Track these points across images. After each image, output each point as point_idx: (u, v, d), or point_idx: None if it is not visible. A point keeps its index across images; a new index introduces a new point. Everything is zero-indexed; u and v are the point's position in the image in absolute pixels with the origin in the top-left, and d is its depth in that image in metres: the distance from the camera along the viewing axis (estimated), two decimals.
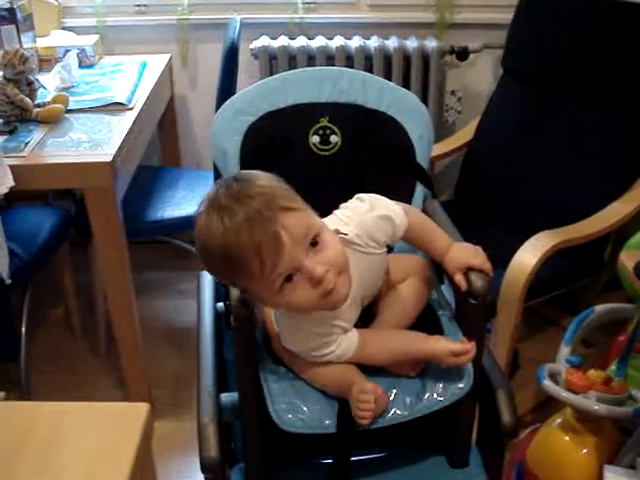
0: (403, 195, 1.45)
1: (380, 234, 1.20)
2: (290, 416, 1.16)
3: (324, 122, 1.42)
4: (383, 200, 1.23)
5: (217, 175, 1.86)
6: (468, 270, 1.22)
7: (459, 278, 1.22)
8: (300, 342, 1.19)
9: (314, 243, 1.07)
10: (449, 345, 1.18)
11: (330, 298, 1.09)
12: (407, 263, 1.33)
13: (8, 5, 2.36)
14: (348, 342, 1.19)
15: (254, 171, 1.13)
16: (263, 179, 1.10)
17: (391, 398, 1.19)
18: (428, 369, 1.23)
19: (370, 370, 1.21)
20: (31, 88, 2.11)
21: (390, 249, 1.28)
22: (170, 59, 2.71)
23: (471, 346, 1.17)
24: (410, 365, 1.22)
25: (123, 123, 2.08)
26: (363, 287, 1.21)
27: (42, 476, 0.85)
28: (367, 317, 1.27)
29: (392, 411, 1.18)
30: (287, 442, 1.24)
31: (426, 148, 1.47)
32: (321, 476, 1.29)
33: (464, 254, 1.22)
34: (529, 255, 1.84)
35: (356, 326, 1.24)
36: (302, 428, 1.16)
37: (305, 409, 1.17)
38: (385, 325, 1.25)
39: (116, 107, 2.17)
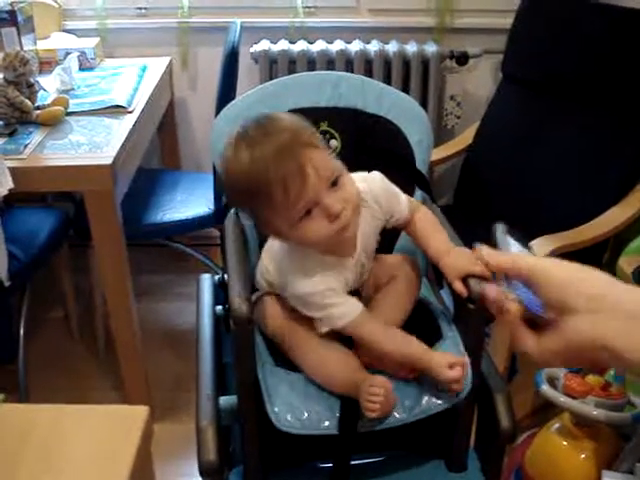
0: None
1: (384, 202, 1.26)
2: (289, 417, 1.16)
3: (324, 126, 1.42)
4: (394, 185, 1.30)
5: (217, 178, 1.86)
6: (467, 276, 1.22)
7: (458, 286, 1.21)
8: (308, 282, 1.18)
9: (334, 183, 1.13)
10: (446, 355, 1.19)
11: (343, 234, 1.14)
12: (394, 262, 1.34)
13: (9, 7, 2.37)
14: (352, 306, 1.19)
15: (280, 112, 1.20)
16: (291, 117, 1.18)
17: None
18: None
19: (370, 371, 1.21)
20: (31, 90, 2.11)
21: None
22: (170, 62, 2.72)
23: (465, 362, 1.18)
24: (406, 368, 1.22)
25: (123, 126, 2.08)
26: (364, 247, 1.25)
27: (42, 479, 0.85)
28: None
29: (391, 414, 1.18)
30: (286, 446, 1.25)
31: (425, 153, 1.47)
32: (319, 479, 1.29)
33: (463, 260, 1.22)
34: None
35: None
36: (301, 429, 1.16)
37: (304, 411, 1.17)
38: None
39: (116, 110, 2.18)
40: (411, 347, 1.19)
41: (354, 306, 1.19)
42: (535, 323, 0.78)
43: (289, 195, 1.09)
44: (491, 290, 0.84)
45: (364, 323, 1.19)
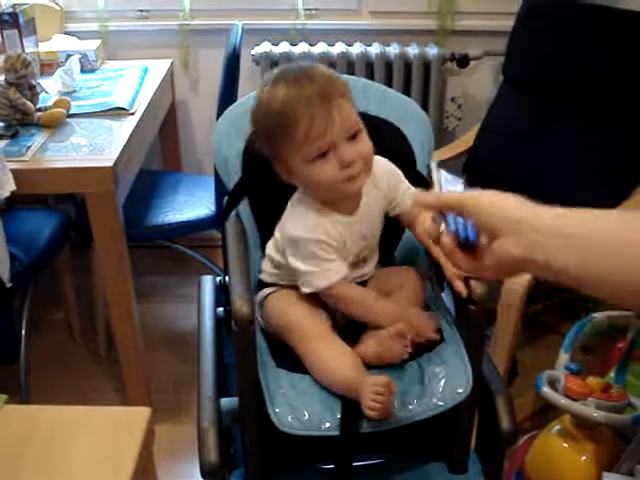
0: None
1: (386, 182, 1.32)
2: (290, 418, 1.16)
3: None
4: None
5: (218, 180, 1.86)
6: (469, 278, 1.22)
7: (458, 284, 1.22)
8: (305, 224, 1.25)
9: (354, 136, 1.20)
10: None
11: (351, 185, 1.21)
12: (400, 274, 1.36)
13: (11, 10, 2.37)
14: (342, 267, 1.25)
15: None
16: (328, 69, 1.25)
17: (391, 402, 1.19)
18: (427, 375, 1.23)
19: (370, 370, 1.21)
20: (33, 92, 2.11)
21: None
22: (172, 64, 2.72)
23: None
24: (398, 342, 1.22)
25: (124, 128, 2.09)
26: (367, 219, 1.29)
27: (45, 479, 0.85)
28: (359, 325, 1.29)
29: (392, 415, 1.18)
30: (287, 447, 1.25)
31: (426, 155, 1.47)
32: None
33: None
34: None
35: (349, 331, 1.26)
36: (302, 430, 1.16)
37: (305, 411, 1.17)
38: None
39: (118, 112, 2.18)
40: (389, 305, 1.27)
41: (342, 268, 1.25)
42: (473, 248, 0.89)
43: (312, 131, 1.16)
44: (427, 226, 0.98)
45: (344, 287, 1.25)
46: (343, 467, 1.24)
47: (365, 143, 1.22)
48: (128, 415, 0.94)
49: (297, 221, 1.27)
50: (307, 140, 1.18)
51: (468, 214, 0.88)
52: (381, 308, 1.26)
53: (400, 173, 1.35)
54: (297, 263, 1.25)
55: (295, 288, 1.29)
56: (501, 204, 0.85)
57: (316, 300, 1.28)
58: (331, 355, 1.21)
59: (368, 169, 1.24)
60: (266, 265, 1.35)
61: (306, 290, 1.26)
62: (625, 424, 1.57)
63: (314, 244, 1.24)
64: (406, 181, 1.35)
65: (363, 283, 1.34)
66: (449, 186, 1.00)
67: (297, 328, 1.24)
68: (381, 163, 1.32)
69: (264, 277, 1.36)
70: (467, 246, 0.90)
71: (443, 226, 0.94)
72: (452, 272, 1.18)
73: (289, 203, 1.30)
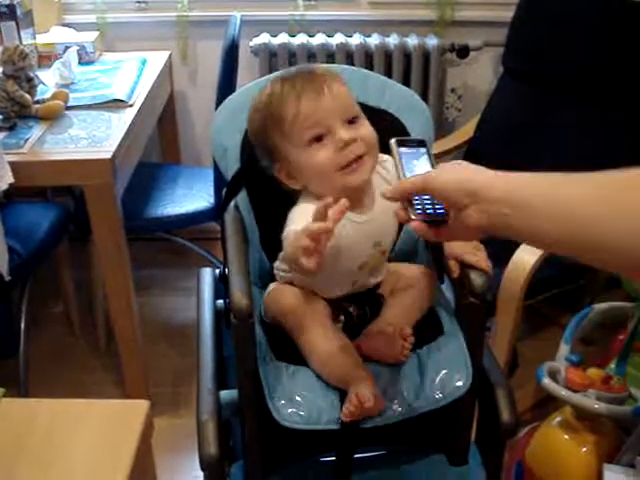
0: None
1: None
2: (289, 412, 1.16)
3: None
4: None
5: (217, 172, 1.86)
6: (468, 268, 1.22)
7: (452, 264, 1.21)
8: (303, 220, 1.10)
9: (352, 121, 1.15)
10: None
11: (352, 177, 1.14)
12: (410, 272, 1.34)
13: (8, 1, 2.36)
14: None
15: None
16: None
17: (390, 396, 1.19)
18: (427, 367, 1.23)
19: (371, 367, 1.21)
20: (31, 84, 2.11)
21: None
22: (170, 56, 2.71)
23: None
24: (396, 346, 1.21)
25: (123, 120, 2.08)
26: (381, 226, 1.23)
27: (43, 473, 0.85)
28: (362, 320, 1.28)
29: (392, 409, 1.18)
30: (287, 440, 1.24)
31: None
32: (320, 474, 1.29)
33: (459, 246, 1.22)
34: (529, 253, 1.84)
35: (352, 325, 1.25)
36: (301, 424, 1.15)
37: (305, 405, 1.17)
38: (384, 320, 1.26)
39: (116, 104, 2.17)
40: None
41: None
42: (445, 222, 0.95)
43: (301, 110, 1.13)
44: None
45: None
46: (344, 460, 1.23)
47: (366, 127, 1.17)
48: (127, 408, 0.94)
49: (296, 218, 1.17)
50: (296, 123, 1.14)
51: (432, 192, 0.93)
52: None
53: None
54: (287, 259, 1.19)
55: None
56: (458, 178, 0.91)
57: (317, 294, 1.27)
58: (328, 346, 1.19)
59: (372, 155, 1.17)
60: (278, 263, 1.33)
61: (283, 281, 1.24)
62: (625, 415, 1.57)
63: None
64: None
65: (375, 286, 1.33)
66: (410, 160, 1.02)
67: (296, 318, 1.23)
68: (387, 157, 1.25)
69: (276, 272, 1.35)
70: (438, 222, 0.95)
71: (410, 211, 0.97)
72: (453, 268, 1.19)
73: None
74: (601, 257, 0.81)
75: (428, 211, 0.95)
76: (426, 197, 0.95)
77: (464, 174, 0.91)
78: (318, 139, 1.14)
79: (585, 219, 0.79)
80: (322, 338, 1.20)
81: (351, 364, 1.18)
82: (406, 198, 0.97)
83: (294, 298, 1.25)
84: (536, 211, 0.83)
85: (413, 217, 0.96)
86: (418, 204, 0.96)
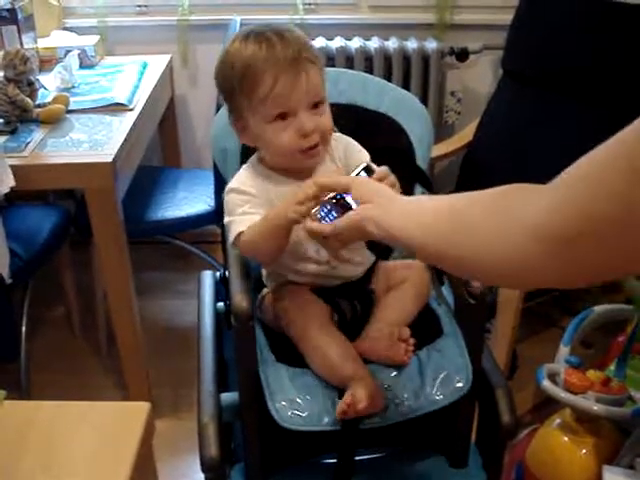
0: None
1: (348, 151, 1.33)
2: (290, 413, 1.16)
3: None
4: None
5: (217, 175, 1.86)
6: None
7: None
8: (241, 181, 1.26)
9: (316, 105, 1.21)
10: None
11: (308, 160, 1.23)
12: (404, 268, 1.35)
13: (9, 5, 2.37)
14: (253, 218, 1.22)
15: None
16: (303, 34, 1.25)
17: (390, 397, 1.19)
18: (427, 369, 1.23)
19: (372, 367, 1.21)
20: (32, 88, 2.11)
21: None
22: (171, 60, 2.72)
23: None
24: (398, 350, 1.22)
25: (124, 123, 2.08)
26: None
27: (43, 475, 0.85)
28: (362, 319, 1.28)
29: (391, 410, 1.18)
30: (288, 442, 1.25)
31: (426, 149, 1.47)
32: (321, 476, 1.30)
33: None
34: None
35: (351, 325, 1.26)
36: (302, 425, 1.16)
37: (306, 407, 1.17)
38: (383, 321, 1.26)
39: (117, 107, 2.18)
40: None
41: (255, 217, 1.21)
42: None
43: (274, 93, 1.16)
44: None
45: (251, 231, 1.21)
46: (346, 462, 1.24)
47: (326, 117, 1.23)
48: (127, 410, 0.94)
49: (237, 178, 1.28)
50: (267, 100, 1.17)
51: (355, 190, 1.06)
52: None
53: (364, 157, 1.32)
54: (226, 219, 1.24)
55: (292, 283, 1.29)
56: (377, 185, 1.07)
57: (315, 293, 1.28)
58: (327, 345, 1.20)
59: (326, 142, 1.24)
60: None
61: (229, 241, 1.25)
62: (625, 417, 1.57)
63: (243, 196, 1.23)
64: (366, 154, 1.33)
65: (364, 280, 1.33)
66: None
67: (295, 318, 1.24)
68: (342, 139, 1.33)
69: (263, 278, 1.36)
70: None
71: (313, 212, 1.09)
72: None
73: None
74: (448, 267, 0.92)
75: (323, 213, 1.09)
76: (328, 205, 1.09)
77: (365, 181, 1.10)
78: (282, 117, 1.19)
79: (434, 234, 0.89)
80: (321, 339, 1.21)
81: (350, 364, 1.19)
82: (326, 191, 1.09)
83: (292, 300, 1.26)
84: (400, 223, 0.95)
85: (312, 217, 1.09)
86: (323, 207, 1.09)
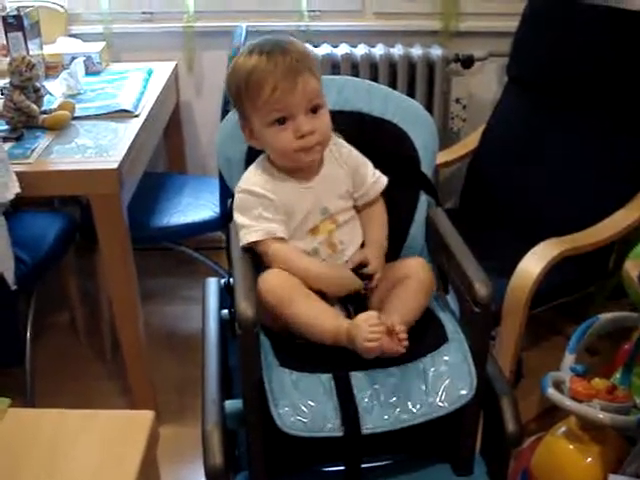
0: (407, 203, 1.46)
1: (352, 158, 1.41)
2: (293, 419, 1.16)
3: None
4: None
5: (222, 182, 1.87)
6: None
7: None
8: (253, 182, 1.34)
9: (314, 110, 1.30)
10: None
11: (304, 155, 1.31)
12: (406, 264, 1.38)
13: (15, 12, 2.38)
14: (280, 229, 1.32)
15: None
16: (303, 44, 1.34)
17: (394, 403, 1.19)
18: (431, 376, 1.23)
19: (375, 374, 1.21)
20: (37, 95, 2.12)
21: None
22: (176, 66, 2.73)
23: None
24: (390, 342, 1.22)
25: (129, 130, 2.09)
26: (325, 192, 1.37)
27: None
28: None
29: (396, 415, 1.18)
30: (291, 448, 1.25)
31: (431, 156, 1.47)
32: None
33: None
34: (534, 263, 1.84)
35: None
36: (305, 431, 1.16)
37: (308, 413, 1.17)
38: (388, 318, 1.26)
39: (122, 114, 2.18)
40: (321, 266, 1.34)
41: (277, 228, 1.32)
42: None
43: (272, 100, 1.26)
44: None
45: (278, 245, 1.31)
46: (353, 469, 1.23)
47: (324, 119, 1.32)
48: (132, 418, 0.94)
49: (247, 178, 1.36)
50: (266, 106, 1.27)
51: None
52: (319, 272, 1.31)
53: (368, 163, 1.42)
54: (238, 217, 1.33)
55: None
56: None
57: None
58: (316, 311, 1.26)
59: (324, 143, 1.33)
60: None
61: (241, 244, 1.32)
62: (630, 426, 1.57)
63: (256, 198, 1.32)
64: (375, 172, 1.42)
65: (368, 277, 1.33)
66: None
67: (283, 296, 1.26)
68: (346, 145, 1.41)
69: None
70: None
71: None
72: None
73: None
74: None
75: None
76: None
77: None
78: (281, 121, 1.28)
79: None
80: (311, 308, 1.26)
81: (342, 320, 1.26)
82: None
83: (277, 279, 1.29)
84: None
85: None
86: None
